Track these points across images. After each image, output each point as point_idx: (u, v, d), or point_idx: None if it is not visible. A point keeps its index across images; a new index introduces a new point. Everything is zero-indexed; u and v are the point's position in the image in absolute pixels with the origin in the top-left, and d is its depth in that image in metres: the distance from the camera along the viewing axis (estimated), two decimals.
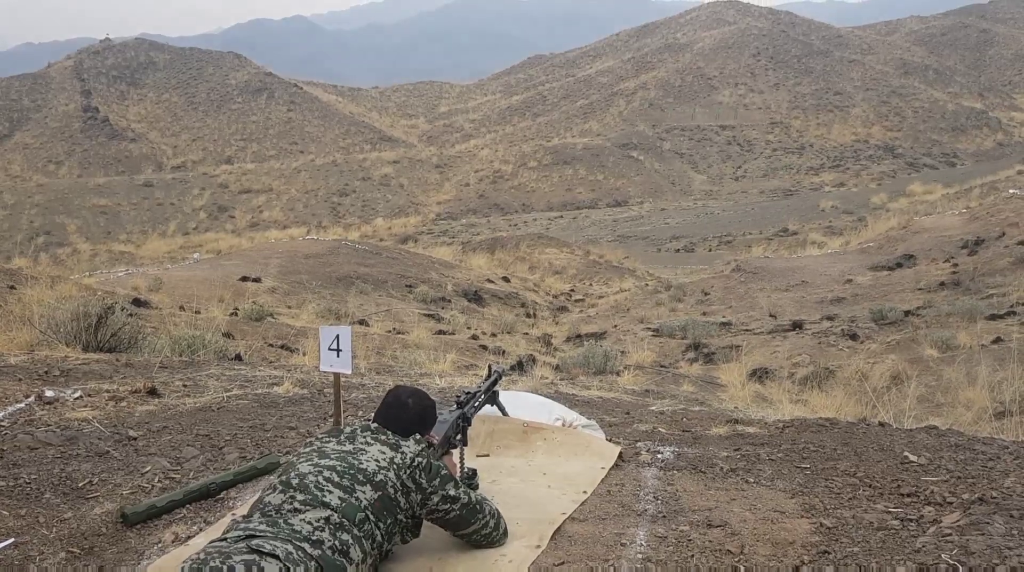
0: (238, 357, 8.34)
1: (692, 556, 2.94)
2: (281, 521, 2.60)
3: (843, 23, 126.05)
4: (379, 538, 2.73)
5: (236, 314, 14.38)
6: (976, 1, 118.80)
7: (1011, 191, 26.68)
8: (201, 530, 3.36)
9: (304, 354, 9.20)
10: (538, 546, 3.06)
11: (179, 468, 4.00)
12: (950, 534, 2.89)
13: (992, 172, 47.39)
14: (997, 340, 12.28)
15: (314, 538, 2.56)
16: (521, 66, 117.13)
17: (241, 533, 2.56)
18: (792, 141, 68.34)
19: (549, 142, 69.13)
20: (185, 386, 5.69)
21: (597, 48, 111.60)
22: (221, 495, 3.69)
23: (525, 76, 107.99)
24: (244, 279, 18.89)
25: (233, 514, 3.44)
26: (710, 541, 3.05)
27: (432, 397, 3.24)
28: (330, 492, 2.70)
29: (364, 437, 2.95)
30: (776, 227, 41.18)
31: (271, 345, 12.27)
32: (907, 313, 15.98)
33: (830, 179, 59.21)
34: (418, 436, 3.03)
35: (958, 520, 3.00)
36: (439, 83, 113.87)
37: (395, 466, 2.84)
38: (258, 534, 2.54)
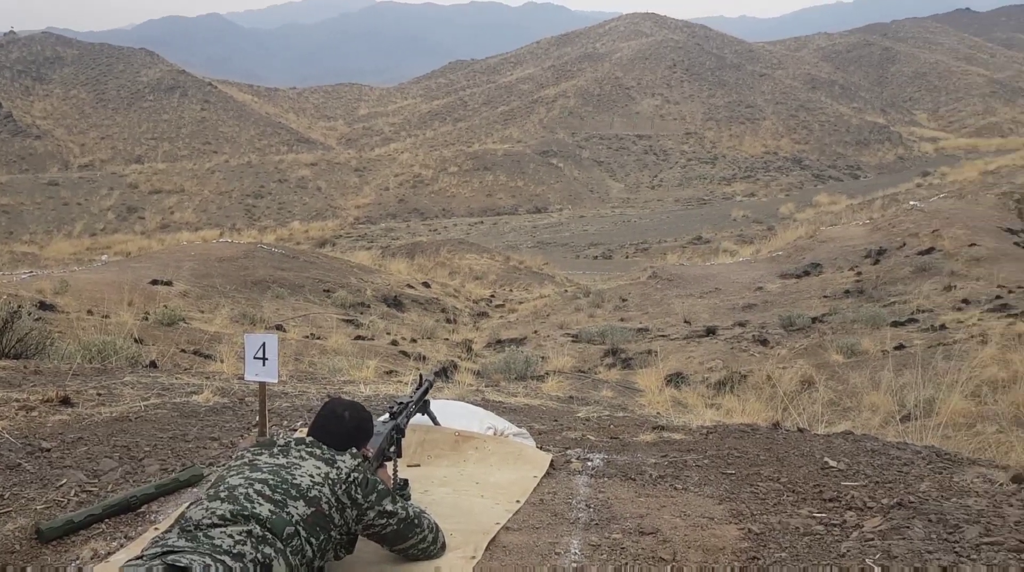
0: (153, 364, 8.07)
1: (626, 564, 2.97)
2: (201, 535, 2.50)
3: (754, 38, 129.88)
4: (310, 554, 2.65)
5: (147, 319, 13.92)
6: (879, 20, 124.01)
7: (911, 203, 27.86)
8: (122, 546, 3.23)
9: (222, 361, 8.94)
10: (473, 557, 3.04)
11: (96, 481, 3.83)
12: (872, 539, 2.98)
13: (893, 184, 49.45)
14: (899, 346, 12.78)
15: (235, 551, 2.46)
16: (442, 71, 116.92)
17: (159, 550, 2.46)
18: (706, 152, 69.99)
19: (470, 147, 69.14)
20: (99, 395, 5.46)
21: (518, 55, 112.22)
22: (142, 509, 3.55)
23: (446, 81, 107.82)
24: (155, 282, 18.29)
25: (156, 528, 3.32)
26: (643, 548, 3.08)
27: (365, 407, 3.19)
28: (260, 505, 2.62)
29: (298, 451, 2.87)
30: (690, 235, 42.07)
31: (184, 351, 11.91)
32: (814, 320, 16.51)
33: (741, 189, 60.85)
34: (354, 450, 2.97)
35: (879, 525, 3.10)
36: (359, 85, 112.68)
37: (330, 482, 2.77)
38: (176, 549, 2.45)
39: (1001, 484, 3.52)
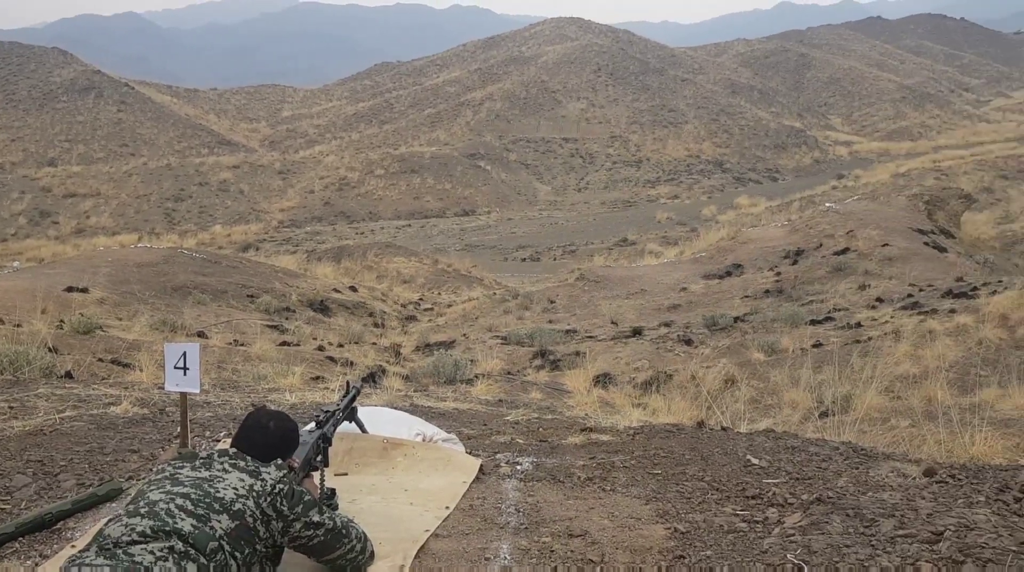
0: (68, 374, 7.79)
1: (555, 567, 2.98)
2: (120, 552, 2.42)
3: (677, 43, 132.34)
4: (235, 569, 2.59)
5: (62, 327, 13.42)
6: (796, 27, 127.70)
7: (827, 205, 28.73)
8: (37, 565, 3.11)
9: (141, 370, 8.68)
10: (402, 565, 3.01)
11: (9, 498, 3.68)
12: (793, 534, 3.06)
13: (810, 187, 51.02)
14: (817, 344, 13.16)
15: (156, 569, 2.40)
16: (367, 73, 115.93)
17: (76, 569, 2.38)
18: (631, 155, 70.99)
19: (396, 150, 68.71)
20: (11, 408, 5.25)
21: (444, 58, 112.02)
22: (58, 526, 3.43)
23: (372, 83, 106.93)
24: (70, 289, 17.63)
25: (72, 546, 3.20)
26: (572, 551, 3.10)
27: (291, 417, 3.13)
28: (182, 520, 2.54)
29: (221, 463, 2.80)
30: (616, 237, 42.62)
31: (102, 360, 11.53)
32: (736, 319, 16.88)
33: (665, 192, 61.91)
34: (279, 461, 2.91)
35: (800, 521, 3.18)
36: (282, 87, 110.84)
37: (255, 494, 2.71)
38: (95, 568, 2.37)
39: (914, 477, 3.65)
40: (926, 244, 22.37)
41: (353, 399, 3.91)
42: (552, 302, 22.53)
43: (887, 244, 21.51)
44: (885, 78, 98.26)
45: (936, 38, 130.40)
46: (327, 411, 3.59)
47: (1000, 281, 16.10)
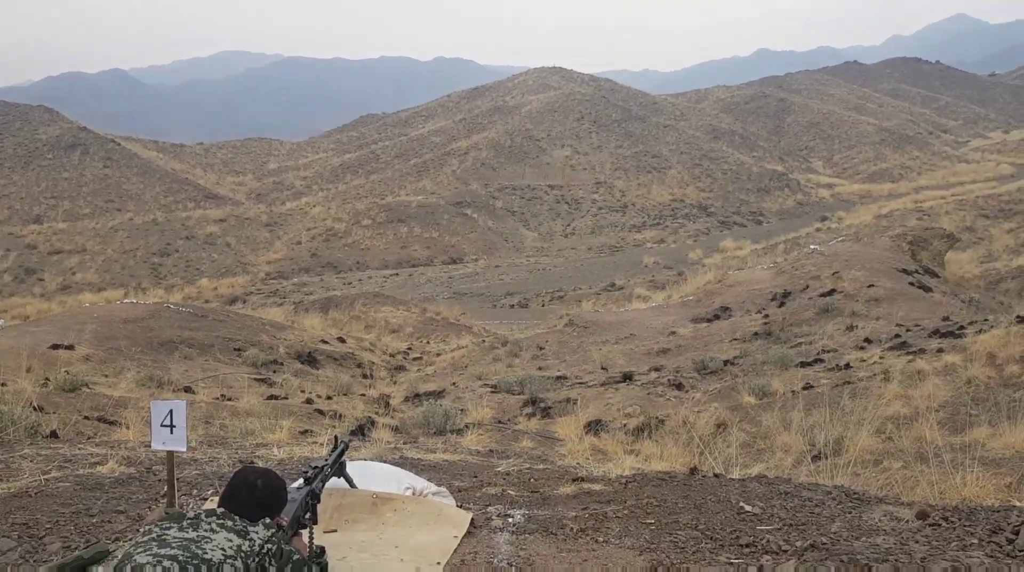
0: (54, 434, 7.71)
1: None
2: None
3: (658, 91, 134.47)
4: None
5: (47, 385, 13.30)
6: (774, 73, 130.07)
7: (812, 247, 28.99)
8: None
9: (127, 428, 8.59)
10: None
11: None
12: None
13: (794, 229, 51.52)
14: (807, 386, 13.17)
15: None
16: (353, 124, 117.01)
17: None
18: (616, 200, 71.58)
19: (383, 200, 69.07)
20: None
21: (429, 109, 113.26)
22: None
23: (357, 134, 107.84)
24: (55, 347, 17.52)
25: None
26: None
27: (279, 474, 3.11)
28: None
29: (209, 523, 2.76)
30: (604, 282, 42.78)
31: (88, 418, 11.41)
32: (726, 362, 16.87)
33: (651, 236, 62.35)
34: (267, 520, 2.88)
35: (794, 568, 3.16)
36: (268, 140, 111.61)
37: (243, 555, 2.67)
38: None
39: (907, 521, 3.64)
40: (911, 284, 22.54)
41: (342, 454, 3.88)
42: (541, 349, 22.49)
43: (873, 285, 21.66)
44: (864, 121, 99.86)
45: (913, 81, 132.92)
46: (315, 467, 3.56)
47: (986, 320, 16.21)
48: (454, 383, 19.65)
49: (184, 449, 3.86)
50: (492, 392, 17.57)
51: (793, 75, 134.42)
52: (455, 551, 3.65)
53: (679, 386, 15.74)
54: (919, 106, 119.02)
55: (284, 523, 3.06)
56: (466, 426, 12.17)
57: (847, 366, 14.51)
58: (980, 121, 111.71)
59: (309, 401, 15.81)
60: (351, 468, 4.18)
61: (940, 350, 13.90)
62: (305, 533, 3.28)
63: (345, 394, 17.64)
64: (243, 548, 2.69)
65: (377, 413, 15.07)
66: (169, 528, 2.75)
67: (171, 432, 3.91)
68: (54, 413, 10.77)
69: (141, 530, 2.87)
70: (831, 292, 21.86)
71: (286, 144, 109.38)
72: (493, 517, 4.14)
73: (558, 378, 18.43)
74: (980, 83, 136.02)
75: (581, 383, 17.76)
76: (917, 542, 3.31)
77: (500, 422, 14.37)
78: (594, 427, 12.85)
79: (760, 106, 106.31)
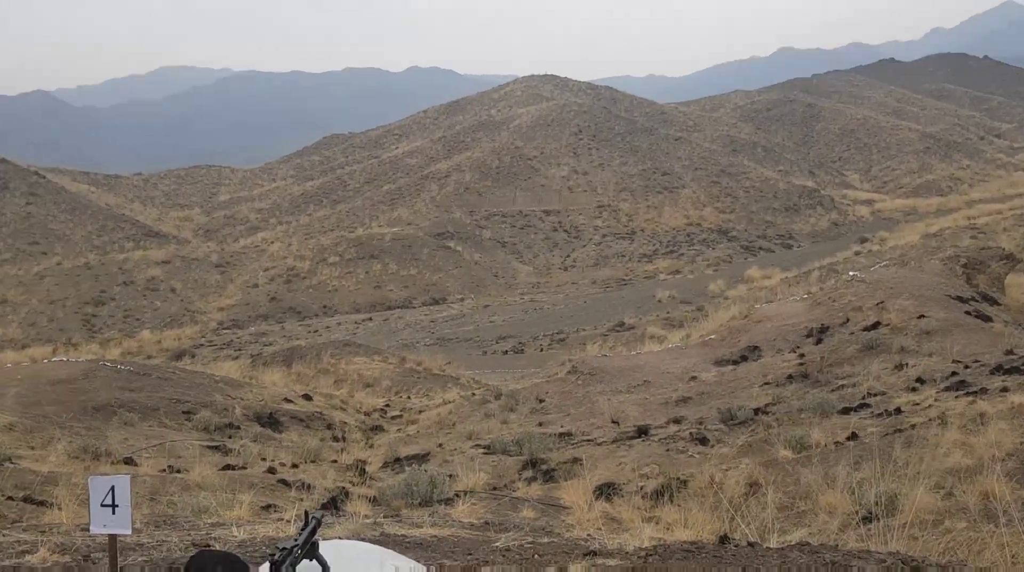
0: None
1: None
2: None
3: (666, 99, 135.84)
4: None
5: None
6: (799, 75, 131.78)
7: (851, 273, 29.12)
8: None
9: (59, 508, 8.53)
10: None
11: None
12: None
13: (830, 253, 51.79)
14: (853, 436, 13.16)
15: None
16: (316, 147, 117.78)
17: None
18: (622, 226, 71.93)
19: (352, 233, 69.31)
20: None
21: (403, 127, 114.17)
22: None
23: (321, 158, 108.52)
24: None
25: None
26: None
27: (241, 558, 3.09)
28: None
29: None
30: (611, 321, 42.85)
31: (12, 499, 11.34)
32: (757, 411, 16.87)
33: (664, 266, 62.60)
34: None
35: None
36: (218, 167, 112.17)
37: None
38: None
39: None
40: (968, 313, 22.63)
41: (313, 532, 3.85)
42: (541, 401, 22.46)
43: (923, 315, 21.75)
44: (905, 127, 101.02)
45: (958, 80, 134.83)
46: (283, 548, 3.53)
47: None
48: (440, 444, 19.59)
49: (129, 532, 3.84)
50: (485, 454, 17.52)
51: (821, 76, 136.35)
52: None
53: (703, 440, 15.72)
54: (967, 108, 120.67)
55: None
56: (456, 495, 12.12)
57: (897, 411, 14.52)
58: None
59: (272, 470, 15.75)
60: (324, 548, 4.14)
61: (1004, 389, 13.92)
62: None
63: (314, 461, 17.58)
64: None
65: (352, 483, 15.00)
66: None
67: (113, 512, 3.89)
68: None
69: None
70: (875, 325, 21.93)
71: (238, 172, 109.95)
72: None
73: (562, 435, 18.39)
74: None
75: (589, 440, 17.72)
76: None
77: (496, 489, 14.31)
78: (606, 491, 12.82)
79: (784, 113, 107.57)
